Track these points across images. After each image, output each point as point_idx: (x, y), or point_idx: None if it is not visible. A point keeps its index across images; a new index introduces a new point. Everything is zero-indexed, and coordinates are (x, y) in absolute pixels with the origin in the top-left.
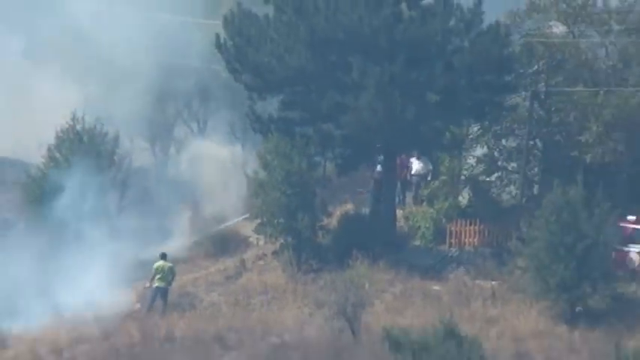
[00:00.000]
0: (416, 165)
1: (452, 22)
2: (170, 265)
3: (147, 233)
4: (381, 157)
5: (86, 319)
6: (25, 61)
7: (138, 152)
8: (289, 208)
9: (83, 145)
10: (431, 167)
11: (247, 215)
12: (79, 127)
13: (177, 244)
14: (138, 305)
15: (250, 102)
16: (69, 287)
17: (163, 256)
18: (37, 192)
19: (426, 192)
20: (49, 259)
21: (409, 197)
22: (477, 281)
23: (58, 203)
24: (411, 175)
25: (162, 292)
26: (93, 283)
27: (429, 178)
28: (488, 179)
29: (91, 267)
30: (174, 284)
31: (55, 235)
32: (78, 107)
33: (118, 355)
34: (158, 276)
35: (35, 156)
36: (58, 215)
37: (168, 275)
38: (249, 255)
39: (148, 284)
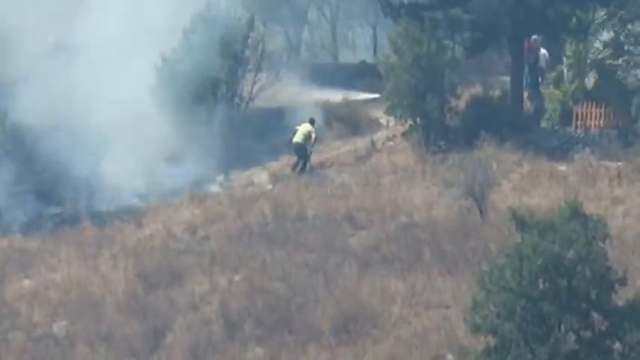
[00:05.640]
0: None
1: None
2: (309, 127)
3: (279, 117)
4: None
5: (220, 199)
6: None
7: (271, 36)
8: (418, 90)
9: (217, 29)
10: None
11: (377, 95)
12: (213, 10)
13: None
14: (270, 186)
15: None
16: (204, 167)
17: (311, 122)
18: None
19: (552, 75)
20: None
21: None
22: (603, 162)
23: (191, 85)
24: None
25: (296, 148)
26: (227, 164)
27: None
28: (614, 63)
29: (225, 148)
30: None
31: (187, 117)
32: None
33: (251, 233)
34: (295, 135)
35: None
36: (188, 97)
37: (304, 134)
38: (379, 136)
39: None
